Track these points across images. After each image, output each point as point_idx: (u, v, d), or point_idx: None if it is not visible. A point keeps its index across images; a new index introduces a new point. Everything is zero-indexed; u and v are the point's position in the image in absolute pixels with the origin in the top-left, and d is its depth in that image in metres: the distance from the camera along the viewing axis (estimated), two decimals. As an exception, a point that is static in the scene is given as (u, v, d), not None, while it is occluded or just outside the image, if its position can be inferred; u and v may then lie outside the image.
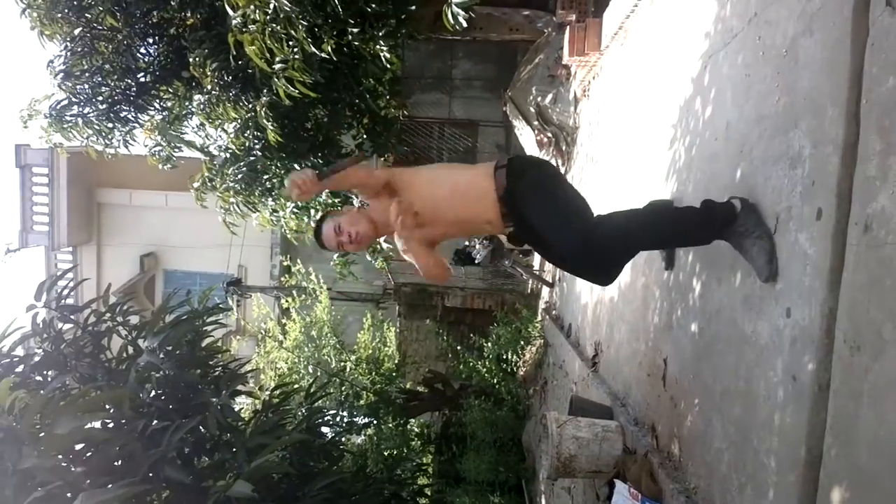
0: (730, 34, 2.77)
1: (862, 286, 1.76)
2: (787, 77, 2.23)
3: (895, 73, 1.71)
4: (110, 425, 3.00)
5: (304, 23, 4.65)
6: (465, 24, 4.13)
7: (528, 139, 7.61)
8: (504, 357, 7.66)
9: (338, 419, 7.96)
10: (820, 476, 1.87)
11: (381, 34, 5.27)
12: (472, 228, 2.80)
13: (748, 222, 2.28)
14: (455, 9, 4.04)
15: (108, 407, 2.95)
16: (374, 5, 5.02)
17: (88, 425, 2.82)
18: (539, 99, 7.22)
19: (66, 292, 3.64)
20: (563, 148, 7.10)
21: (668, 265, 3.24)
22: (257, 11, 4.66)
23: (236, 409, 3.64)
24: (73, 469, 2.58)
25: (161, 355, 3.26)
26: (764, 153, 2.34)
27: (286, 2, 4.48)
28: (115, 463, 2.67)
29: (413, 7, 5.21)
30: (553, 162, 7.27)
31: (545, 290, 7.93)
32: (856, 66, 1.88)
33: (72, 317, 3.56)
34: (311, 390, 4.16)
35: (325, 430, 4.38)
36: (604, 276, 2.61)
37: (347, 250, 2.83)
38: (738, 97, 2.62)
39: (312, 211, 6.84)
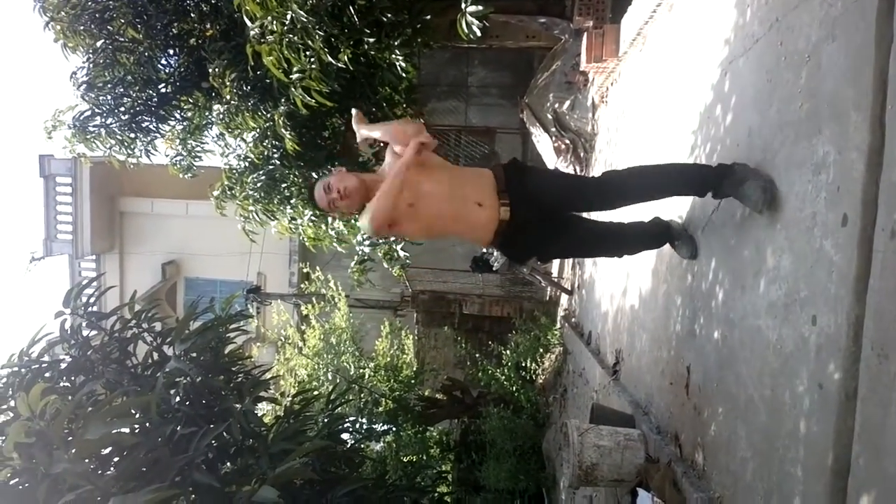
0: (751, 40, 2.75)
1: (889, 293, 1.74)
2: (810, 82, 2.22)
3: (921, 78, 1.69)
4: (138, 430, 3.03)
5: (321, 33, 4.70)
6: (479, 33, 4.15)
7: (545, 146, 7.61)
8: (523, 365, 7.64)
9: (357, 426, 7.98)
10: (848, 485, 1.84)
11: (396, 43, 5.31)
12: (460, 212, 2.74)
13: (746, 172, 2.50)
14: (469, 18, 4.06)
15: (135, 412, 2.99)
16: (389, 15, 5.06)
17: (117, 430, 2.86)
18: (556, 105, 7.21)
19: (92, 300, 3.70)
20: (582, 155, 7.08)
21: (693, 254, 3.18)
22: (275, 22, 4.72)
23: (259, 415, 3.67)
24: (102, 473, 2.62)
25: (187, 361, 3.30)
26: (787, 159, 2.32)
27: (303, 13, 4.53)
28: (143, 468, 2.70)
29: (428, 16, 5.24)
30: (571, 169, 7.26)
31: (564, 298, 7.90)
32: (880, 71, 1.86)
33: (99, 323, 3.62)
34: (332, 397, 4.17)
35: (345, 436, 4.39)
36: (610, 203, 2.92)
37: (339, 207, 2.79)
38: (760, 103, 2.61)
39: (330, 219, 6.88)
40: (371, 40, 5.23)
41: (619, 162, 5.45)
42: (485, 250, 7.87)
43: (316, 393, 5.33)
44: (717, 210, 2.89)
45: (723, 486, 2.63)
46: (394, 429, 8.28)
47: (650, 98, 4.63)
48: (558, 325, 7.64)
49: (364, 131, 2.87)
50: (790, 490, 2.10)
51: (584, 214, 3.24)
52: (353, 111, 2.94)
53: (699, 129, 3.35)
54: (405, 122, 2.89)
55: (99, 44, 6.55)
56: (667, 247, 3.44)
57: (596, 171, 6.57)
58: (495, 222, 2.73)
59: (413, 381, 9.03)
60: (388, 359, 9.28)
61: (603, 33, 5.81)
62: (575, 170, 7.22)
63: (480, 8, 4.52)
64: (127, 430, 3.07)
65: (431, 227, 2.84)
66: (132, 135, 6.93)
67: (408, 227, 2.78)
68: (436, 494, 4.97)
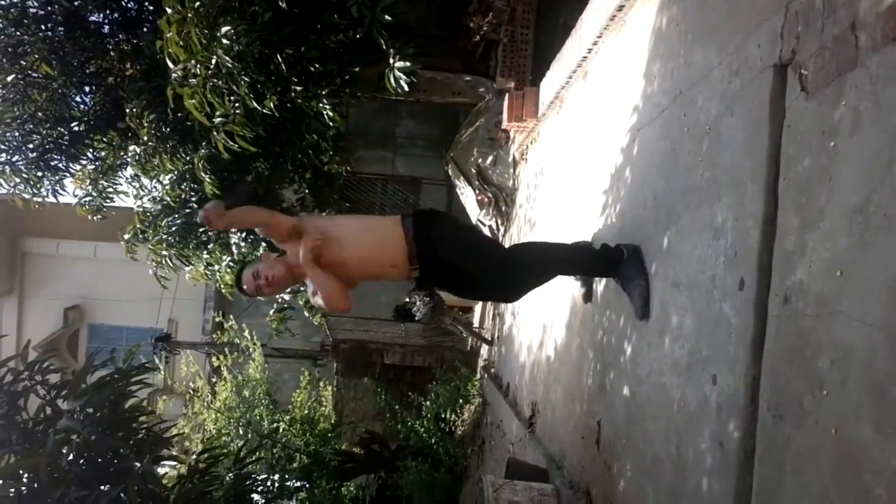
0: (657, 109, 2.91)
1: (783, 356, 1.83)
2: (711, 152, 2.35)
3: (810, 154, 1.81)
4: (25, 492, 2.83)
5: (247, 79, 4.66)
6: (406, 88, 4.22)
7: (469, 198, 7.73)
8: (442, 416, 7.57)
9: (269, 483, 7.66)
10: (747, 544, 1.89)
11: (324, 93, 5.31)
12: (376, 269, 2.93)
13: (631, 269, 2.80)
14: (397, 73, 4.12)
15: (23, 474, 2.79)
16: (317, 65, 5.07)
17: (1, 494, 2.65)
18: (480, 160, 7.37)
19: (-19, 350, 3.46)
20: (503, 208, 7.23)
21: (587, 299, 3.59)
22: (199, 66, 4.65)
23: (160, 475, 3.48)
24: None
25: (81, 418, 3.11)
26: (690, 223, 2.44)
27: (228, 59, 4.48)
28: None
29: (357, 68, 5.28)
30: (493, 222, 7.39)
31: (484, 348, 7.94)
32: (774, 146, 1.99)
33: (-14, 375, 3.37)
34: (241, 454, 4.00)
35: (255, 496, 4.20)
36: (515, 294, 3.16)
37: (265, 293, 2.96)
38: (665, 169, 2.74)
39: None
40: (298, 88, 5.22)
41: (538, 217, 5.59)
42: (407, 300, 7.85)
43: (224, 450, 5.10)
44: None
45: (632, 544, 2.65)
46: (307, 485, 7.99)
47: (566, 158, 4.80)
48: (478, 376, 7.65)
49: (227, 221, 2.89)
50: (694, 548, 2.14)
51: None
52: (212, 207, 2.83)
53: (610, 190, 3.48)
54: (259, 211, 3.04)
55: (10, 78, 6.28)
56: (580, 301, 3.63)
57: (515, 226, 6.71)
58: (407, 277, 2.92)
59: (330, 435, 8.78)
60: (305, 411, 9.02)
61: (523, 95, 6.02)
62: (497, 222, 7.36)
63: (408, 64, 4.61)
64: (12, 494, 2.85)
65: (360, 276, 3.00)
66: (39, 173, 6.62)
67: (342, 271, 2.87)
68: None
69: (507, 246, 3.18)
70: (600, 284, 3.46)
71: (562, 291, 4.13)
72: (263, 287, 2.85)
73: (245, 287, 2.92)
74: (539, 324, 4.82)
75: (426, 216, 2.95)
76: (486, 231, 7.59)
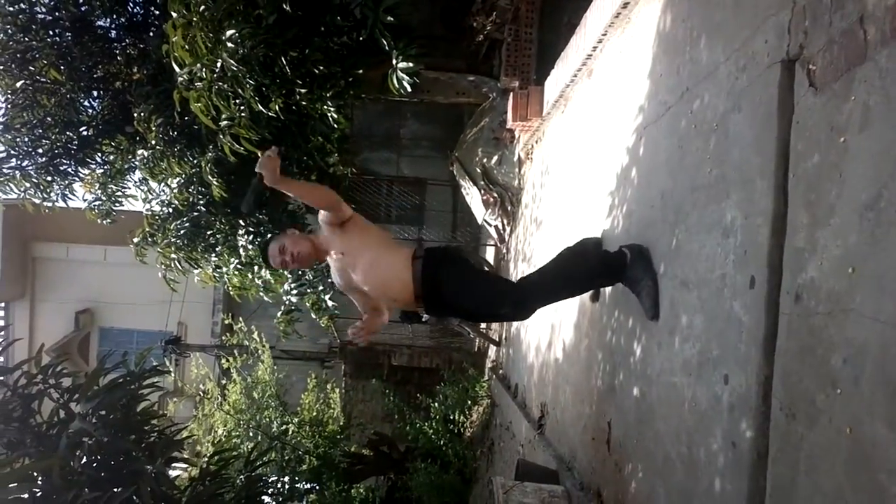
0: (663, 107, 2.89)
1: (795, 355, 1.81)
2: (718, 150, 2.33)
3: (819, 150, 1.80)
4: (39, 495, 2.84)
5: (252, 82, 4.66)
6: (409, 89, 4.21)
7: (474, 198, 7.73)
8: (451, 418, 7.56)
9: (279, 485, 7.67)
10: (761, 544, 1.87)
11: (328, 95, 5.32)
12: (380, 295, 3.09)
13: (636, 271, 2.79)
14: (400, 74, 4.12)
15: (36, 476, 2.80)
16: (321, 67, 5.07)
17: (15, 496, 2.66)
18: (485, 160, 7.36)
19: (-4, 351, 3.48)
20: (509, 208, 7.22)
21: (595, 299, 3.62)
22: (204, 70, 4.66)
23: (172, 477, 3.49)
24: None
25: (94, 421, 3.12)
26: (698, 222, 2.42)
27: (233, 62, 4.49)
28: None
29: (361, 70, 5.28)
30: (499, 222, 7.38)
31: (492, 349, 7.92)
32: (783, 141, 1.97)
33: (1, 379, 3.40)
34: (252, 458, 4.01)
35: (265, 498, 4.21)
36: (526, 314, 3.16)
37: (290, 267, 3.18)
38: (672, 167, 2.72)
39: (256, 267, 6.73)
40: (303, 91, 5.23)
41: (544, 216, 5.57)
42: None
43: (235, 453, 5.11)
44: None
45: (643, 545, 2.63)
46: (317, 487, 7.99)
47: (571, 157, 4.79)
48: (486, 377, 7.63)
49: (282, 186, 3.06)
50: (707, 549, 2.12)
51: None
52: (269, 153, 3.03)
53: (616, 189, 3.47)
54: (332, 191, 3.14)
55: (19, 84, 6.32)
56: (589, 301, 3.61)
57: (521, 225, 6.69)
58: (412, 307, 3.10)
59: (339, 437, 8.79)
60: (314, 413, 9.03)
61: (528, 94, 6.00)
62: (502, 222, 7.34)
63: (411, 65, 4.61)
64: (27, 496, 2.87)
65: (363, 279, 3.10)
66: (49, 178, 6.65)
67: (358, 278, 3.06)
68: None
69: (513, 282, 3.28)
70: (606, 287, 3.44)
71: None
72: (288, 263, 3.02)
73: (270, 260, 3.09)
74: (547, 324, 4.80)
75: (437, 259, 3.01)
76: (492, 231, 7.58)
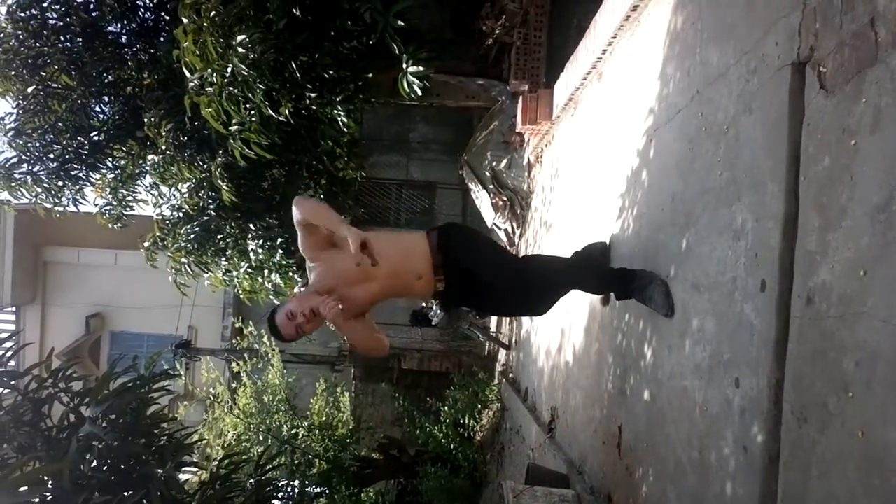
0: (674, 109, 2.88)
1: (807, 358, 1.80)
2: (729, 152, 2.32)
3: (831, 153, 1.79)
4: (49, 499, 2.85)
5: (262, 87, 4.69)
6: (420, 93, 4.23)
7: (484, 202, 7.72)
8: (461, 421, 7.55)
9: (289, 489, 7.69)
10: (773, 549, 1.86)
11: (338, 99, 5.35)
12: (404, 282, 2.87)
13: (644, 276, 2.82)
14: (410, 78, 4.13)
15: (46, 480, 2.81)
16: (331, 72, 5.10)
17: (25, 500, 2.67)
18: (494, 164, 7.36)
19: (9, 354, 3.49)
20: (518, 211, 7.21)
21: (605, 302, 3.61)
22: (215, 75, 4.69)
23: (182, 481, 3.50)
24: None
25: (104, 424, 3.13)
26: (709, 225, 2.41)
27: (244, 67, 4.52)
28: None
29: (370, 74, 5.31)
30: (508, 225, 7.37)
31: (502, 353, 7.91)
32: (794, 144, 1.96)
33: (12, 383, 3.41)
34: (262, 461, 4.01)
35: (276, 503, 4.21)
36: (539, 307, 3.14)
37: (307, 331, 2.79)
38: (683, 170, 2.71)
39: (266, 271, 6.76)
40: (313, 95, 5.26)
41: (554, 220, 5.57)
42: (424, 304, 7.85)
43: (245, 456, 5.12)
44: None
45: (654, 550, 2.62)
46: (327, 491, 7.99)
47: (581, 161, 4.78)
48: (496, 381, 7.62)
49: (333, 227, 2.66)
50: (718, 554, 2.11)
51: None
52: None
53: (627, 192, 3.46)
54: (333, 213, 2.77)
55: (30, 90, 6.38)
56: (599, 304, 3.59)
57: (531, 229, 6.69)
58: (432, 290, 2.91)
59: (349, 440, 8.79)
60: (324, 417, 9.04)
61: (538, 97, 6.00)
62: (512, 225, 7.33)
63: (421, 69, 4.63)
64: (37, 500, 2.88)
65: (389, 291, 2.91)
66: (60, 183, 6.71)
67: (372, 286, 2.79)
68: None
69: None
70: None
71: (580, 295, 4.10)
72: (304, 325, 2.71)
73: (283, 331, 2.77)
74: (557, 328, 4.79)
75: (446, 228, 2.99)
76: (502, 235, 7.58)
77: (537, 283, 3.00)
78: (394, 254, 2.79)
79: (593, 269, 3.32)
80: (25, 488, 2.83)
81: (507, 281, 2.96)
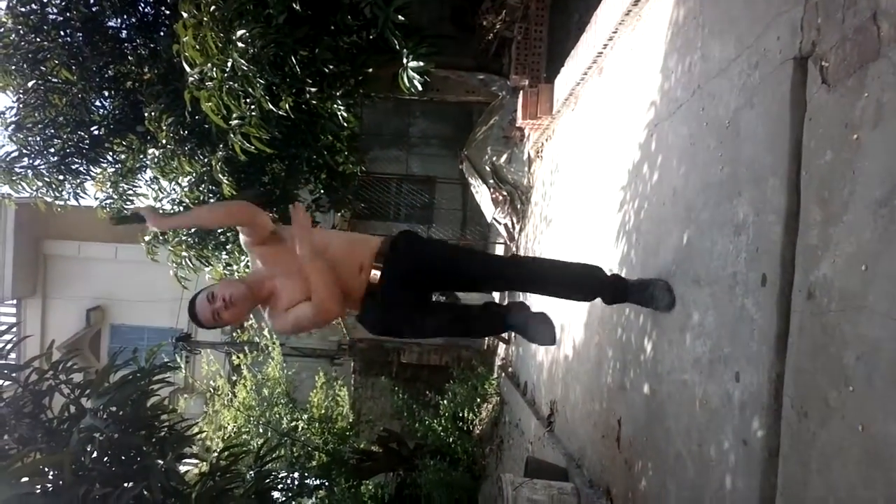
0: (675, 104, 2.89)
1: (807, 352, 1.81)
2: (731, 147, 2.33)
3: (832, 147, 1.79)
4: (50, 489, 2.86)
5: (262, 81, 4.68)
6: (420, 88, 4.22)
7: (483, 197, 7.72)
8: (460, 415, 7.57)
9: (288, 481, 7.71)
10: (772, 542, 1.87)
11: (338, 94, 5.33)
12: (346, 272, 2.62)
13: (642, 282, 2.79)
14: (411, 72, 4.12)
15: (47, 471, 2.83)
16: (331, 66, 5.08)
17: (26, 492, 2.69)
18: (494, 158, 7.36)
19: (9, 347, 3.50)
20: (518, 206, 7.21)
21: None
22: (215, 69, 4.68)
23: (182, 473, 3.51)
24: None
25: (105, 416, 3.14)
26: (710, 219, 2.42)
27: (244, 61, 4.51)
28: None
29: (370, 69, 5.29)
30: (508, 220, 7.37)
31: (501, 347, 7.92)
32: (795, 139, 1.97)
33: (13, 375, 3.42)
34: (261, 453, 4.03)
35: (275, 494, 4.23)
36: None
37: (225, 319, 2.54)
38: (684, 165, 2.72)
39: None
40: (313, 90, 5.25)
41: (554, 215, 5.57)
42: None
43: (245, 449, 5.13)
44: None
45: (654, 543, 2.63)
46: (326, 483, 8.02)
47: (582, 155, 4.78)
48: (495, 375, 7.63)
49: (168, 223, 2.81)
50: (718, 547, 2.12)
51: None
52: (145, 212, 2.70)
53: (627, 187, 3.46)
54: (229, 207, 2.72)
55: (30, 84, 6.36)
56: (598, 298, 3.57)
57: (531, 224, 6.69)
58: (364, 287, 2.65)
59: (348, 433, 8.82)
60: (323, 410, 9.06)
61: (538, 92, 5.99)
62: (512, 220, 7.34)
63: (422, 63, 4.61)
64: (38, 490, 2.89)
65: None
66: (61, 177, 6.70)
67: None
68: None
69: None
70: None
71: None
72: (221, 310, 2.47)
73: (199, 314, 2.55)
74: (557, 323, 4.79)
75: (409, 233, 2.86)
76: (502, 229, 7.58)
77: (522, 275, 2.91)
78: (343, 246, 2.68)
79: (591, 272, 2.98)
80: (26, 479, 2.84)
81: (479, 268, 2.85)
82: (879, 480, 1.49)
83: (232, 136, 5.01)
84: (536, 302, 3.57)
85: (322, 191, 7.33)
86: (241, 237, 2.66)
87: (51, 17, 6.23)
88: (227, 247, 6.64)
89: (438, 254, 2.86)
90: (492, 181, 7.43)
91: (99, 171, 7.06)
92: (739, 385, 2.08)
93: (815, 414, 1.73)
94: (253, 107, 4.86)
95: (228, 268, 6.84)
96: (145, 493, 2.91)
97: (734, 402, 2.10)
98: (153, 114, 5.74)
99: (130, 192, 7.31)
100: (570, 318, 4.39)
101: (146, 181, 7.23)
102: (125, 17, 6.44)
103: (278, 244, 2.62)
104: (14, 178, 6.55)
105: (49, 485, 2.84)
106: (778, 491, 1.86)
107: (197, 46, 4.66)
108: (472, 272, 2.86)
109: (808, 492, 1.73)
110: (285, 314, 2.58)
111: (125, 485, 2.88)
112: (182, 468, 3.85)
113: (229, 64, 4.60)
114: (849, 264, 1.66)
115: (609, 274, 2.93)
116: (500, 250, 8.46)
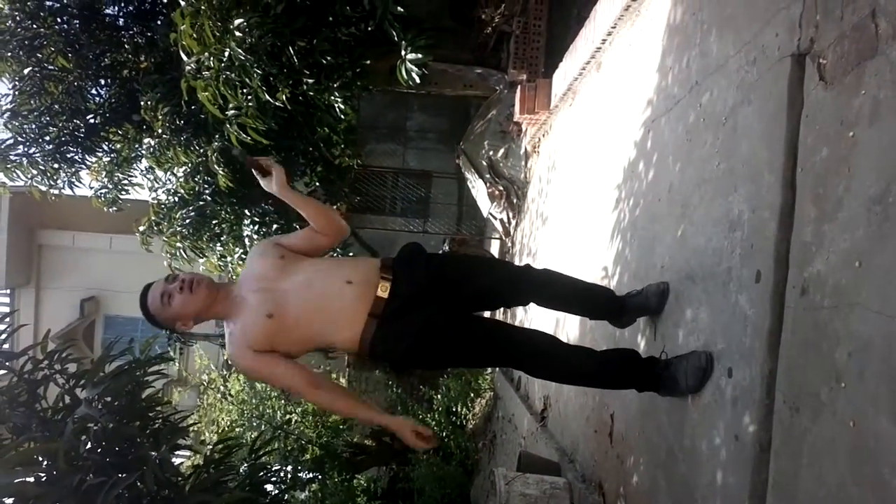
0: (672, 101, 2.89)
1: (800, 348, 1.81)
2: (727, 143, 2.33)
3: (829, 144, 1.79)
4: (44, 479, 2.86)
5: (259, 72, 4.67)
6: (418, 80, 4.21)
7: (480, 191, 7.72)
8: (454, 410, 7.58)
9: (282, 474, 7.71)
10: (762, 537, 1.88)
11: (336, 85, 5.32)
12: (328, 292, 2.36)
13: (643, 290, 2.66)
14: (409, 65, 4.12)
15: (41, 460, 2.82)
16: (329, 58, 5.08)
17: (20, 479, 2.68)
18: (491, 153, 7.36)
19: (3, 336, 3.49)
20: (514, 201, 7.22)
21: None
22: (212, 59, 4.66)
23: (176, 464, 3.51)
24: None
25: (99, 407, 3.14)
26: (705, 215, 2.42)
27: (241, 51, 4.49)
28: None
29: (368, 61, 5.28)
30: (504, 215, 7.38)
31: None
32: (792, 136, 1.97)
33: (7, 363, 3.42)
34: (255, 446, 4.03)
35: (269, 486, 4.23)
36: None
37: (173, 306, 2.30)
38: (680, 161, 2.72)
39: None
40: (310, 81, 5.23)
41: (550, 210, 5.57)
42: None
43: (239, 442, 5.13)
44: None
45: (645, 537, 2.64)
46: (320, 477, 8.03)
47: (579, 151, 4.78)
48: (489, 370, 7.64)
49: (289, 195, 2.50)
50: (708, 541, 2.13)
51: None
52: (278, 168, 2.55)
53: (623, 184, 3.46)
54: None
55: (26, 71, 6.33)
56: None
57: (527, 219, 6.69)
58: (368, 305, 2.27)
59: (341, 427, 8.82)
60: (317, 403, 9.06)
61: (536, 87, 5.99)
62: (508, 215, 7.34)
63: (420, 56, 4.61)
64: (32, 480, 2.89)
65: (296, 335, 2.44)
66: (56, 165, 6.67)
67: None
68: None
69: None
70: (612, 280, 3.45)
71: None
72: (174, 291, 2.27)
73: (149, 296, 2.35)
74: (551, 317, 4.80)
75: (416, 246, 2.56)
76: (497, 224, 7.58)
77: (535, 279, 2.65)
78: (329, 264, 2.51)
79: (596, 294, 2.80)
80: (20, 468, 2.84)
81: (493, 276, 2.55)
82: (869, 476, 1.49)
83: (228, 126, 5.00)
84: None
85: (318, 183, 7.32)
86: (297, 237, 2.53)
87: (47, 3, 6.20)
88: (222, 238, 6.63)
89: (454, 263, 2.72)
90: (488, 176, 7.43)
91: (94, 159, 7.03)
92: (732, 381, 2.09)
93: (807, 410, 1.74)
94: (250, 97, 4.84)
95: (223, 259, 6.83)
96: (139, 483, 2.91)
97: (726, 397, 2.11)
98: (149, 103, 5.72)
99: (125, 181, 7.28)
100: (564, 314, 4.39)
101: (141, 171, 7.21)
102: (122, 4, 6.42)
103: (294, 271, 2.39)
104: (9, 166, 6.52)
105: (43, 474, 2.84)
106: (769, 486, 1.87)
107: (194, 35, 4.64)
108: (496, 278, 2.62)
109: (799, 487, 1.74)
110: (262, 360, 2.37)
111: (119, 475, 2.87)
112: (176, 460, 3.84)
113: (226, 53, 4.59)
114: (843, 261, 1.67)
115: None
116: (495, 245, 8.47)
